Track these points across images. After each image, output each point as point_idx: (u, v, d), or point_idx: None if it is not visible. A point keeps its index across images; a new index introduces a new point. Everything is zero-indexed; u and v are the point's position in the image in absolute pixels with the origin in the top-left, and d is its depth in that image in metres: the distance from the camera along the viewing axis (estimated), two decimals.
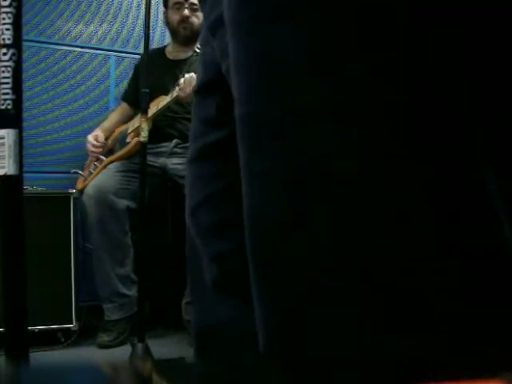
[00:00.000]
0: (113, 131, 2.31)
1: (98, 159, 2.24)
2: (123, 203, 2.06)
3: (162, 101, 2.10)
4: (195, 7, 2.22)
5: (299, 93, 0.42)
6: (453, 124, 0.40)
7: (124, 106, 2.38)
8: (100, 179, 2.10)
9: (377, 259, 0.41)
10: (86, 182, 2.19)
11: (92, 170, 2.23)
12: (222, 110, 0.65)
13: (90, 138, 2.25)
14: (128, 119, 2.31)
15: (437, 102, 0.40)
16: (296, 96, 0.42)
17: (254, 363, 0.60)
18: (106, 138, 2.28)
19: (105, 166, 2.18)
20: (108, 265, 2.03)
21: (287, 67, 0.43)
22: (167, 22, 2.32)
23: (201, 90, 0.67)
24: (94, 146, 2.23)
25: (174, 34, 2.29)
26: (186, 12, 2.21)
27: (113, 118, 2.37)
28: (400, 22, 0.40)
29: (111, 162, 2.19)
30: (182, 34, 2.25)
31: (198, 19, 2.23)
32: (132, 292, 2.04)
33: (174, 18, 2.25)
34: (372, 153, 0.40)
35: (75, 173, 2.29)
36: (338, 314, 0.43)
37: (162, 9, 2.37)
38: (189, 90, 1.97)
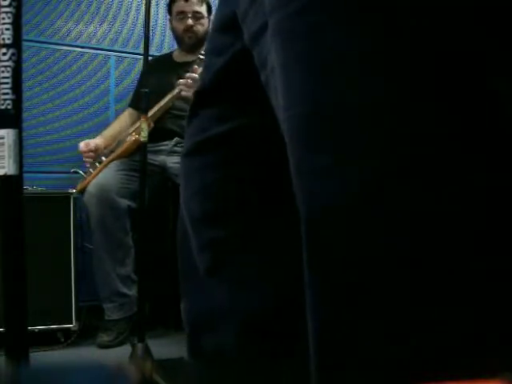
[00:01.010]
0: (115, 138, 2.29)
1: (96, 161, 2.23)
2: (125, 202, 2.06)
3: (163, 100, 2.12)
4: (198, 15, 2.24)
5: (349, 93, 0.44)
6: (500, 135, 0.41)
7: (131, 111, 2.36)
8: (102, 178, 2.10)
9: (399, 259, 0.42)
10: (86, 182, 2.19)
11: (92, 170, 2.23)
12: (227, 111, 0.66)
13: (81, 144, 2.23)
14: (131, 124, 2.30)
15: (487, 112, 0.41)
16: (346, 95, 0.44)
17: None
18: (105, 147, 2.27)
19: (105, 166, 2.18)
20: (108, 264, 2.03)
21: (338, 68, 0.44)
22: (172, 29, 2.34)
23: (207, 92, 0.68)
24: (83, 152, 2.21)
25: (180, 41, 2.32)
26: (190, 22, 2.23)
27: (115, 125, 2.35)
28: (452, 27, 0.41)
29: (111, 161, 2.19)
30: (188, 43, 2.28)
31: (202, 26, 2.26)
32: (132, 292, 2.05)
33: (179, 27, 2.27)
34: (417, 156, 0.41)
35: (75, 172, 2.28)
36: (343, 315, 0.44)
37: (162, 9, 2.38)
38: (193, 87, 1.99)
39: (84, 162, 2.23)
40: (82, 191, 2.16)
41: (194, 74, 2.01)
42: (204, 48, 2.19)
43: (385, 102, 0.42)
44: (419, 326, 0.41)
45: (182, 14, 2.24)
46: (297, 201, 0.48)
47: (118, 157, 2.18)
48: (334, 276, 0.44)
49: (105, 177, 2.09)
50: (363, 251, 0.43)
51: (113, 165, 2.15)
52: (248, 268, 0.66)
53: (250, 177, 0.66)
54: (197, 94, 0.70)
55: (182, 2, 2.23)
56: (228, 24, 0.65)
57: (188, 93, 2.01)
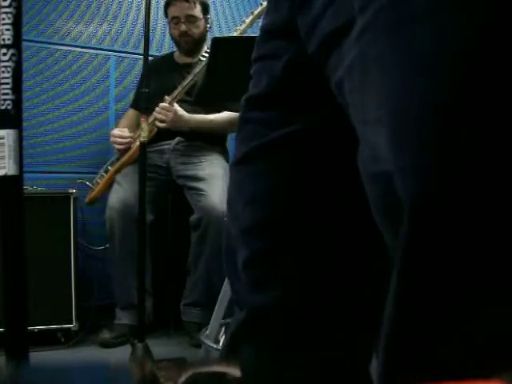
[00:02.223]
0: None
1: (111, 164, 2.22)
2: (148, 217, 2.03)
3: None
4: (192, 19, 2.22)
5: (445, 92, 0.44)
6: None
7: (133, 112, 2.34)
8: (123, 192, 2.06)
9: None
10: (94, 194, 2.18)
11: (99, 180, 2.22)
12: (284, 116, 0.66)
13: (116, 131, 2.21)
14: (137, 125, 2.29)
15: None
16: (448, 93, 0.44)
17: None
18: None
19: (111, 176, 2.18)
20: (130, 278, 2.00)
21: (435, 65, 0.44)
22: (169, 33, 2.33)
23: (262, 97, 0.68)
24: (121, 137, 2.19)
25: (178, 45, 2.31)
26: (183, 27, 2.21)
27: (122, 124, 2.33)
28: None
29: (118, 169, 2.18)
30: (185, 47, 2.27)
31: (197, 29, 2.24)
32: (147, 303, 2.01)
33: (174, 32, 2.26)
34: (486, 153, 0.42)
35: (81, 183, 2.25)
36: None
37: (162, 9, 2.37)
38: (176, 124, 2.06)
39: (118, 149, 2.21)
40: (92, 202, 2.16)
41: (165, 105, 2.08)
42: (202, 51, 2.22)
43: (484, 105, 0.42)
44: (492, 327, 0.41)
45: (176, 19, 2.23)
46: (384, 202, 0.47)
47: (125, 164, 2.17)
48: (419, 277, 0.44)
49: (126, 191, 2.06)
50: (451, 252, 0.43)
51: (131, 177, 2.07)
52: (294, 281, 0.66)
53: (304, 182, 0.66)
54: (250, 99, 0.70)
55: (175, 7, 2.21)
56: (282, 29, 0.65)
57: (162, 124, 2.08)
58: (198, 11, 2.23)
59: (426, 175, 0.44)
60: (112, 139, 2.22)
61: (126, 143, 2.19)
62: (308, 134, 0.64)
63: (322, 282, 0.65)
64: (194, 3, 2.21)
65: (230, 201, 0.71)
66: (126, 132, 2.21)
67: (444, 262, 0.43)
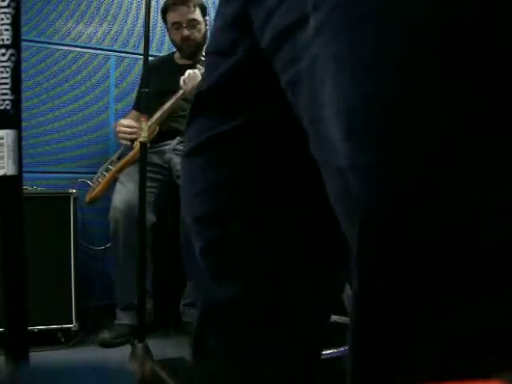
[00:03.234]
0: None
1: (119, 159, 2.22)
2: (151, 218, 2.04)
3: (167, 103, 2.13)
4: (194, 23, 2.21)
5: (401, 90, 0.43)
6: None
7: (134, 113, 2.33)
8: (127, 193, 2.06)
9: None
10: (95, 193, 2.18)
11: (99, 180, 2.21)
12: (232, 110, 0.66)
13: (124, 121, 2.19)
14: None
15: None
16: (398, 92, 0.43)
17: None
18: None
19: (113, 176, 2.17)
20: (132, 279, 1.98)
21: (390, 64, 0.44)
22: (170, 37, 2.32)
23: (212, 91, 0.68)
24: (130, 126, 2.16)
25: (179, 50, 2.30)
26: (186, 32, 2.20)
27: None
28: None
29: (120, 169, 2.17)
30: (187, 51, 2.26)
31: (199, 33, 2.23)
32: (148, 304, 2.01)
33: (176, 37, 2.25)
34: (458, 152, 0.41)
35: (83, 182, 2.25)
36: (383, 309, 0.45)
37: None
38: (191, 85, 2.00)
39: (125, 140, 2.18)
40: (92, 202, 2.15)
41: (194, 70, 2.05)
42: (202, 51, 2.22)
43: (444, 101, 0.42)
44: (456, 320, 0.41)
45: (178, 24, 2.21)
46: (344, 199, 0.47)
47: (127, 164, 2.17)
48: (374, 276, 0.44)
49: (129, 191, 2.05)
50: (410, 247, 0.43)
51: (135, 177, 2.06)
52: (251, 269, 0.66)
53: (254, 175, 0.66)
54: (200, 93, 0.70)
55: (175, 13, 2.20)
56: (234, 23, 0.64)
57: (187, 89, 2.06)
58: (198, 14, 2.22)
59: (378, 174, 0.44)
60: (119, 129, 2.18)
61: (134, 132, 2.16)
62: (258, 128, 0.65)
63: (273, 276, 0.66)
64: (194, 7, 2.20)
65: (183, 191, 0.72)
66: (132, 122, 2.19)
67: (401, 260, 0.43)
